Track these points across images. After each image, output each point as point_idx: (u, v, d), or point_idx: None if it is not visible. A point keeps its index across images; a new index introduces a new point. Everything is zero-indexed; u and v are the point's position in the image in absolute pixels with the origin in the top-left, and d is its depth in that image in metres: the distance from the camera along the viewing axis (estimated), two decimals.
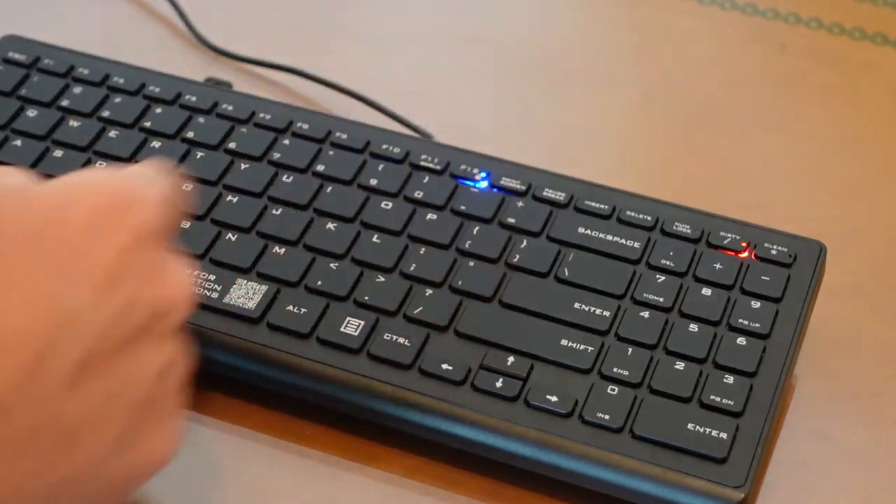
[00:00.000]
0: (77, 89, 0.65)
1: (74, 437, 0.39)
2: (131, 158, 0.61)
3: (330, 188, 0.60)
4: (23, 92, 0.65)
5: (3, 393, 0.37)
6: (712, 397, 0.52)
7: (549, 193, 0.60)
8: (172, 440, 0.43)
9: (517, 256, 0.57)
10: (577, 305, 0.55)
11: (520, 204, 0.60)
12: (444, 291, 0.56)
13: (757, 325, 0.55)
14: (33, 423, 0.38)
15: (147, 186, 0.42)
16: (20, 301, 0.38)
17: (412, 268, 0.56)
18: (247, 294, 0.55)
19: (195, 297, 0.43)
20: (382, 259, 0.57)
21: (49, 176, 0.60)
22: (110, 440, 0.40)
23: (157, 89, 0.65)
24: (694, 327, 0.55)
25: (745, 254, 0.58)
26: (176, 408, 0.43)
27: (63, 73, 0.66)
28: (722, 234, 0.59)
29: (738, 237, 0.58)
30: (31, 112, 0.63)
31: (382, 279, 0.56)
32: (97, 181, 0.41)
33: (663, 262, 0.57)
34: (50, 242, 0.39)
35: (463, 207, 0.59)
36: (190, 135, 0.63)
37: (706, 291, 0.56)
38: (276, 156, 0.62)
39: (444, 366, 0.53)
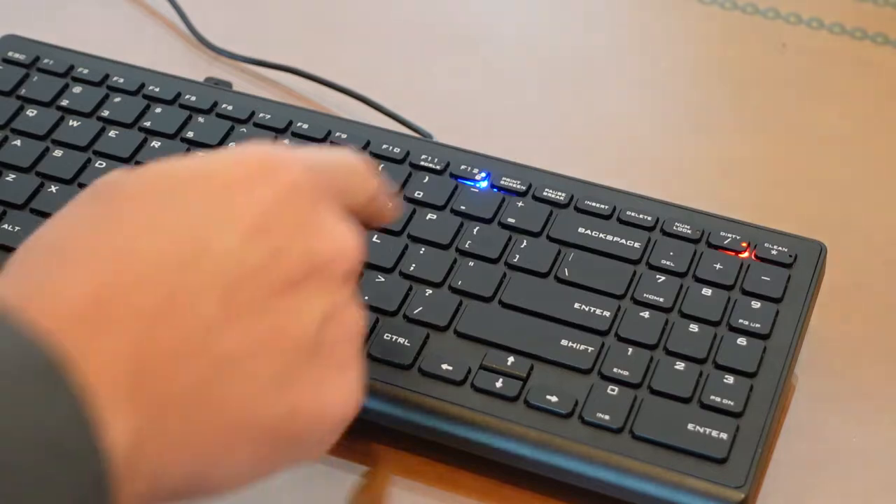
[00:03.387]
0: (77, 89, 0.65)
1: (230, 365, 0.39)
2: (131, 158, 0.61)
3: None
4: (22, 92, 0.65)
5: (149, 312, 0.38)
6: (712, 397, 0.52)
7: (549, 193, 0.60)
8: (347, 394, 0.43)
9: (517, 256, 0.57)
10: (577, 305, 0.55)
11: (520, 204, 0.60)
12: (444, 291, 0.56)
13: (757, 325, 0.55)
14: (182, 346, 0.38)
15: (296, 154, 0.43)
16: (162, 238, 0.39)
17: (412, 268, 0.56)
18: None
19: (360, 249, 0.43)
20: (382, 259, 0.57)
21: (49, 175, 0.60)
22: (269, 375, 0.40)
23: (157, 89, 0.65)
24: (694, 327, 0.55)
25: (746, 254, 0.58)
26: (349, 360, 0.43)
27: (63, 73, 0.66)
28: (722, 234, 0.59)
29: (738, 237, 0.58)
30: (31, 112, 0.63)
31: (382, 279, 0.56)
32: (248, 149, 0.43)
33: (663, 262, 0.57)
34: (198, 192, 0.40)
35: (463, 207, 0.59)
36: (190, 135, 0.63)
37: (706, 291, 0.56)
38: None
39: (444, 366, 0.53)
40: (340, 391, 0.42)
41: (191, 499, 0.40)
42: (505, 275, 0.57)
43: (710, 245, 0.58)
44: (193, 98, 0.64)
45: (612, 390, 0.52)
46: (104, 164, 0.61)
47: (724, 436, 0.51)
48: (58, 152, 0.61)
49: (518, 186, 0.60)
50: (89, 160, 0.61)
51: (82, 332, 0.37)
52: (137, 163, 0.61)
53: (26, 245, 0.40)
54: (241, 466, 0.40)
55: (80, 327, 0.37)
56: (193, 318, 0.38)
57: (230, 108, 0.64)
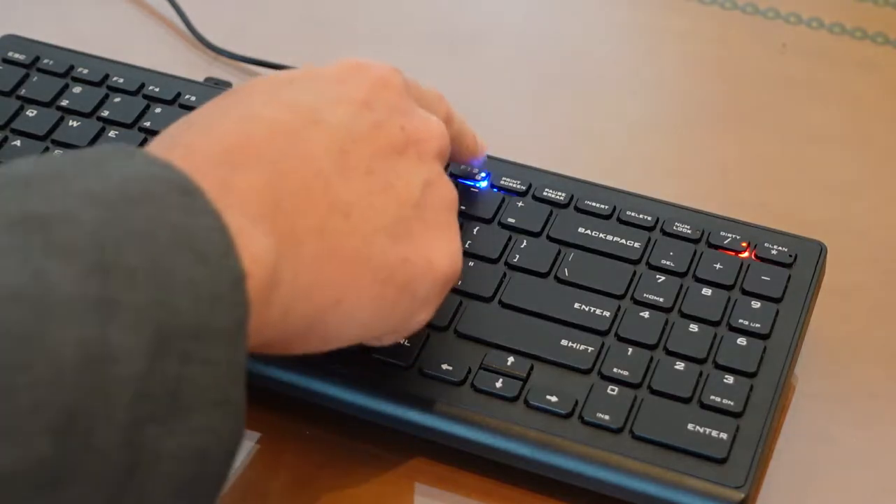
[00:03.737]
0: (77, 89, 0.65)
1: (347, 209, 0.45)
2: None
3: None
4: (22, 92, 0.65)
5: (273, 156, 0.44)
6: (712, 397, 0.52)
7: (549, 193, 0.60)
8: (451, 254, 0.48)
9: (517, 256, 0.57)
10: (577, 305, 0.55)
11: (520, 204, 0.60)
12: None
13: (757, 325, 0.55)
14: (306, 187, 0.44)
15: (383, 63, 0.51)
16: (280, 107, 0.46)
17: None
18: None
19: (447, 136, 0.50)
20: None
21: None
22: (382, 223, 0.46)
23: (157, 89, 0.65)
24: (694, 327, 0.55)
25: (746, 254, 0.58)
26: (450, 224, 0.49)
27: (63, 73, 0.66)
28: (722, 234, 0.59)
29: (738, 237, 0.58)
30: (31, 112, 0.63)
31: None
32: (343, 59, 0.51)
33: (663, 262, 0.57)
34: (311, 81, 0.49)
35: (463, 207, 0.59)
36: None
37: (706, 291, 0.56)
38: None
39: (444, 366, 0.53)
40: (444, 251, 0.48)
41: (316, 341, 0.46)
42: (505, 275, 0.57)
43: (710, 245, 0.58)
44: (193, 98, 0.64)
45: (612, 390, 0.52)
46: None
47: (724, 436, 0.51)
48: (58, 152, 0.61)
49: (518, 186, 0.60)
50: None
51: (219, 172, 0.42)
52: None
53: (167, 129, 0.46)
54: (364, 301, 0.45)
55: (216, 168, 0.42)
56: (312, 170, 0.45)
57: None
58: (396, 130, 0.48)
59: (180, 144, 0.44)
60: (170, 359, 0.37)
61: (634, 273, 0.57)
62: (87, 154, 0.41)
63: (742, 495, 0.49)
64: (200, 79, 0.68)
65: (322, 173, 0.45)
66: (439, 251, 0.48)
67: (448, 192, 0.49)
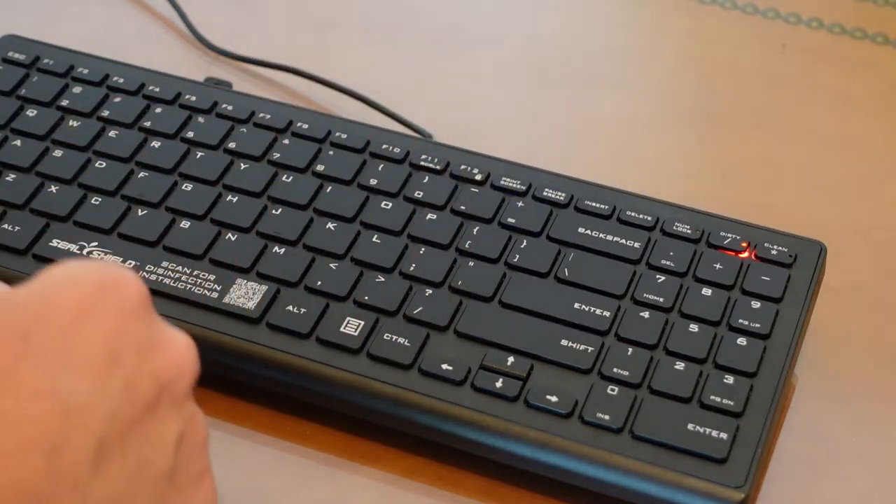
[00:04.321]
0: (77, 89, 0.65)
1: None
2: (131, 158, 0.61)
3: (330, 188, 0.60)
4: (22, 92, 0.65)
5: (28, 486, 0.37)
6: (712, 397, 0.52)
7: (549, 193, 0.60)
8: (206, 500, 0.43)
9: (517, 256, 0.57)
10: (577, 305, 0.55)
11: (520, 204, 0.60)
12: (444, 291, 0.56)
13: (757, 325, 0.55)
14: None
15: (122, 270, 0.41)
16: (22, 401, 0.37)
17: (412, 268, 0.56)
18: (246, 294, 0.55)
19: (196, 361, 0.42)
20: (382, 259, 0.57)
21: (49, 175, 0.60)
22: None
23: (157, 89, 0.65)
24: (694, 327, 0.55)
25: (746, 254, 0.58)
26: (202, 474, 0.43)
27: (63, 73, 0.66)
28: (722, 234, 0.59)
29: (738, 237, 0.58)
30: (31, 112, 0.63)
31: (382, 279, 0.56)
32: (75, 272, 0.41)
33: (663, 262, 0.57)
34: (39, 338, 0.39)
35: (463, 207, 0.59)
36: (190, 135, 0.63)
37: (706, 291, 0.56)
38: (276, 156, 0.62)
39: (444, 366, 0.53)
40: (201, 501, 0.43)
41: None
42: (505, 275, 0.57)
43: (710, 245, 0.58)
44: (193, 98, 0.64)
45: (612, 390, 0.52)
46: (104, 164, 0.61)
47: (724, 436, 0.51)
48: (58, 152, 0.61)
49: (518, 186, 0.60)
50: (89, 160, 0.61)
51: None
52: (138, 163, 0.61)
53: None
54: None
55: None
56: (68, 481, 0.37)
57: (230, 108, 0.64)
58: (148, 383, 0.40)
59: None
60: None
61: (634, 273, 0.57)
62: None
63: (742, 495, 0.49)
64: (200, 79, 0.68)
65: (79, 484, 0.37)
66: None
67: (199, 435, 0.43)
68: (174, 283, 0.56)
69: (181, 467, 0.42)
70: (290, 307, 0.55)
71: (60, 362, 0.38)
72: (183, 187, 0.60)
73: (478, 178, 0.61)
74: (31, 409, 0.37)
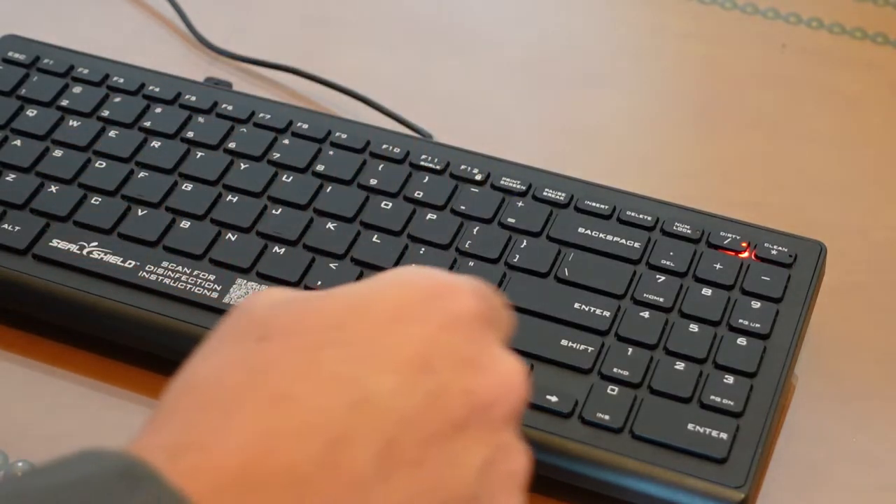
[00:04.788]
0: (77, 89, 0.65)
1: None
2: (131, 158, 0.61)
3: (330, 188, 0.60)
4: (22, 92, 0.65)
5: (304, 469, 0.35)
6: (712, 397, 0.52)
7: (549, 193, 0.60)
8: None
9: (517, 256, 0.57)
10: (577, 305, 0.55)
11: (520, 204, 0.60)
12: None
13: (757, 325, 0.55)
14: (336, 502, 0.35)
15: (461, 280, 0.40)
16: (319, 385, 0.36)
17: None
18: (246, 294, 0.55)
19: (524, 391, 0.39)
20: (382, 259, 0.57)
21: (49, 175, 0.60)
22: None
23: (157, 89, 0.65)
24: (694, 327, 0.55)
25: (746, 254, 0.58)
26: None
27: (63, 73, 0.66)
28: (722, 234, 0.59)
29: (738, 237, 0.58)
30: (31, 112, 0.63)
31: None
32: (408, 275, 0.39)
33: (663, 262, 0.57)
34: (353, 329, 0.37)
35: (463, 207, 0.59)
36: (190, 135, 0.63)
37: (706, 291, 0.56)
38: (276, 156, 0.62)
39: None
40: None
41: None
42: (505, 275, 0.57)
43: (710, 245, 0.58)
44: (193, 98, 0.64)
45: (612, 390, 0.52)
46: (104, 164, 0.61)
47: (724, 436, 0.51)
48: (58, 152, 0.61)
49: (518, 186, 0.60)
50: (89, 160, 0.61)
51: (229, 498, 0.34)
52: (138, 163, 0.61)
53: (175, 389, 0.37)
54: None
55: (228, 496, 0.34)
56: (348, 477, 0.35)
57: (230, 108, 0.64)
58: (459, 398, 0.37)
59: (194, 445, 0.35)
60: None
61: (634, 273, 0.57)
62: (75, 494, 0.33)
63: (742, 495, 0.49)
64: (200, 79, 0.68)
65: (359, 482, 0.35)
66: None
67: (515, 467, 0.39)
68: (174, 283, 0.56)
69: (486, 495, 0.38)
70: None
71: (367, 356, 0.37)
72: (183, 187, 0.60)
73: (478, 178, 0.61)
74: (323, 397, 0.36)
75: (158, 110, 0.64)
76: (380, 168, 0.61)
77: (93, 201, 0.59)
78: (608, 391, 0.52)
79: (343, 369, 0.36)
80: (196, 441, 0.35)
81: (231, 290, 0.55)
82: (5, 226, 0.58)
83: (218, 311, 0.55)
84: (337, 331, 0.37)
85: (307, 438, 0.35)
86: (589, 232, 0.58)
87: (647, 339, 0.54)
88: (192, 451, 0.34)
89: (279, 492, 0.34)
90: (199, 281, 0.56)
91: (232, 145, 0.62)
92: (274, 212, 0.59)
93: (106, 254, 0.57)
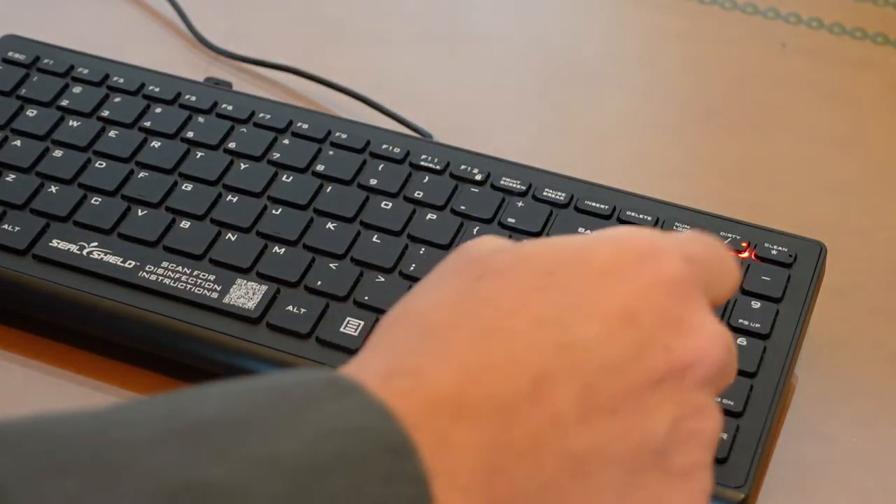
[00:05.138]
0: (77, 89, 0.65)
1: (579, 465, 0.37)
2: (131, 158, 0.61)
3: (330, 188, 0.60)
4: (23, 92, 0.65)
5: (511, 399, 0.37)
6: None
7: (549, 193, 0.60)
8: (690, 497, 0.39)
9: None
10: None
11: (520, 204, 0.60)
12: None
13: (757, 325, 0.55)
14: (535, 440, 0.37)
15: (674, 243, 0.41)
16: (529, 323, 0.38)
17: (412, 268, 0.56)
18: (246, 294, 0.55)
19: (724, 357, 0.40)
20: (382, 259, 0.57)
21: (49, 175, 0.60)
22: (617, 478, 0.38)
23: (157, 89, 0.65)
24: None
25: (746, 254, 0.58)
26: (698, 467, 0.39)
27: (63, 73, 0.66)
28: (722, 234, 0.59)
29: (738, 237, 0.58)
30: (31, 112, 0.63)
31: (382, 279, 0.56)
32: (623, 234, 0.41)
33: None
34: (565, 277, 0.39)
35: (463, 207, 0.59)
36: (190, 135, 0.63)
37: None
38: (276, 156, 0.62)
39: None
40: (685, 500, 0.39)
41: None
42: None
43: None
44: (193, 98, 0.64)
45: None
46: (104, 164, 0.61)
47: (723, 436, 0.51)
48: (58, 152, 0.61)
49: (518, 186, 0.60)
50: (89, 160, 0.61)
51: (440, 420, 0.36)
52: (138, 163, 0.61)
53: (393, 315, 0.39)
54: None
55: (438, 413, 0.36)
56: (549, 413, 0.37)
57: (230, 108, 0.64)
58: (659, 354, 0.39)
59: (409, 370, 0.37)
60: None
61: None
62: (289, 396, 0.35)
63: (742, 495, 0.49)
64: (200, 79, 0.68)
65: (558, 419, 0.37)
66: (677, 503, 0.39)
67: (706, 429, 0.40)
68: (174, 283, 0.56)
69: (673, 452, 0.39)
70: (290, 307, 0.55)
71: (575, 304, 0.38)
72: (183, 187, 0.60)
73: (478, 178, 0.61)
74: (532, 335, 0.38)
75: (158, 110, 0.64)
76: (380, 168, 0.61)
77: (93, 201, 0.59)
78: None
79: (551, 312, 0.38)
80: (410, 366, 0.37)
81: (231, 290, 0.55)
82: (5, 226, 0.58)
83: (218, 311, 0.55)
84: (549, 277, 0.39)
85: (515, 371, 0.37)
86: (589, 232, 0.58)
87: None
88: (405, 375, 0.36)
89: (487, 417, 0.36)
90: (199, 281, 0.56)
91: (232, 145, 0.62)
92: (274, 212, 0.59)
93: (106, 254, 0.57)
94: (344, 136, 0.63)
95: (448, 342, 0.37)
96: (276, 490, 0.32)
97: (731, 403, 0.52)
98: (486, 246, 0.40)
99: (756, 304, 0.56)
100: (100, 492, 0.32)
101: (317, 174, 0.61)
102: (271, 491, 0.32)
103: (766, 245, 0.58)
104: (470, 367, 0.37)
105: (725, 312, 0.55)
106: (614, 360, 0.38)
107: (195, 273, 0.56)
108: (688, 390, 0.39)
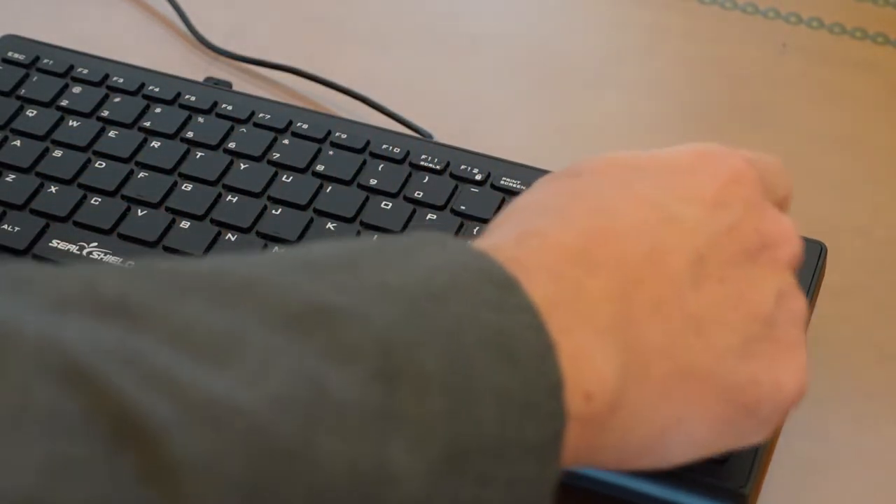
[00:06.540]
0: (76, 89, 0.65)
1: (698, 324, 0.41)
2: (131, 158, 0.61)
3: (330, 188, 0.60)
4: (22, 92, 0.65)
5: (633, 259, 0.40)
6: None
7: None
8: (798, 375, 0.43)
9: None
10: None
11: None
12: None
13: None
14: (659, 298, 0.40)
15: (740, 153, 0.46)
16: (634, 201, 0.42)
17: None
18: None
19: (800, 246, 0.45)
20: None
21: (49, 176, 0.60)
22: (733, 340, 0.41)
23: (157, 89, 0.65)
24: None
25: None
26: (799, 342, 0.44)
27: (63, 73, 0.66)
28: None
29: None
30: (31, 112, 0.63)
31: None
32: (699, 144, 0.46)
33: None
34: (656, 172, 0.44)
35: (463, 207, 0.59)
36: (189, 135, 0.63)
37: None
38: (276, 156, 0.62)
39: None
40: (792, 370, 0.43)
41: (648, 461, 0.41)
42: None
43: None
44: (193, 98, 0.64)
45: None
46: (104, 164, 0.61)
47: None
48: (58, 152, 0.61)
49: (518, 186, 0.60)
50: (89, 160, 0.61)
51: (574, 272, 0.38)
52: (138, 163, 0.61)
53: (503, 214, 0.42)
54: (706, 421, 0.41)
55: (572, 268, 0.39)
56: (668, 278, 0.40)
57: (230, 108, 0.64)
58: (751, 233, 0.43)
59: (535, 232, 0.40)
60: (464, 480, 0.33)
61: None
62: (393, 243, 0.37)
63: (742, 495, 0.49)
64: (200, 79, 0.68)
65: (677, 282, 0.40)
66: (787, 372, 0.43)
67: (799, 307, 0.44)
68: None
69: (778, 322, 0.43)
70: None
71: (672, 189, 0.43)
72: (183, 187, 0.60)
73: (478, 178, 0.61)
74: (638, 212, 0.42)
75: (158, 110, 0.64)
76: (380, 168, 0.61)
77: (93, 201, 0.59)
78: None
79: (651, 194, 0.42)
80: (536, 229, 0.40)
81: None
82: (5, 226, 0.58)
83: None
84: (642, 171, 0.44)
85: (633, 238, 0.41)
86: None
87: None
88: (533, 237, 0.39)
89: (613, 272, 0.39)
90: None
91: (232, 145, 0.62)
92: (274, 212, 0.59)
93: (106, 254, 0.57)
94: (344, 136, 0.63)
95: (565, 215, 0.41)
96: (396, 314, 0.34)
97: None
98: (576, 162, 0.45)
99: None
100: (224, 308, 0.33)
101: (317, 174, 0.61)
102: (392, 314, 0.34)
103: None
104: (590, 232, 0.40)
105: None
106: (715, 236, 0.42)
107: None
108: (779, 269, 0.44)
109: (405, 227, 0.58)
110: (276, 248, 0.36)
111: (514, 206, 0.43)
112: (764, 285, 0.43)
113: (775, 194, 0.47)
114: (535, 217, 0.41)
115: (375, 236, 0.36)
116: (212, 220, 0.58)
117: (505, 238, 0.39)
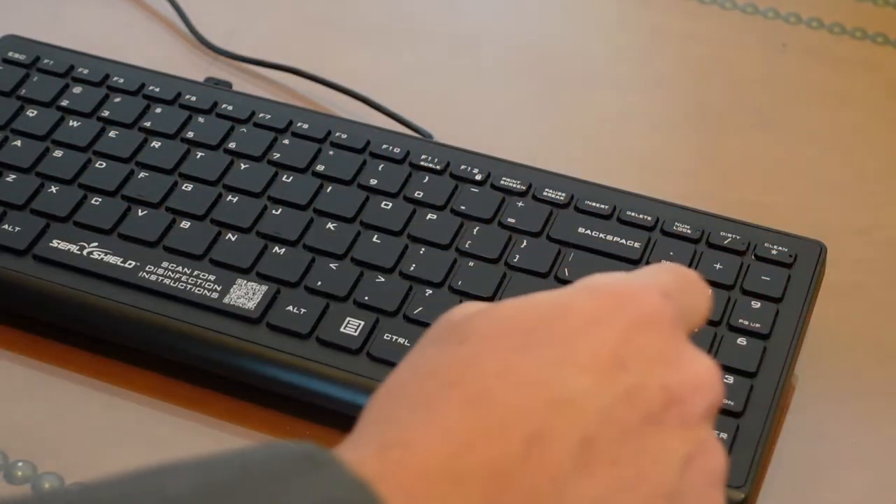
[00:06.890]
0: (77, 89, 0.65)
1: None
2: (131, 158, 0.61)
3: (330, 188, 0.60)
4: (23, 92, 0.65)
5: (504, 463, 0.36)
6: None
7: (549, 193, 0.60)
8: None
9: (517, 256, 0.57)
10: None
11: (520, 204, 0.60)
12: (444, 291, 0.56)
13: (757, 325, 0.55)
14: (534, 499, 0.36)
15: (650, 281, 0.40)
16: (516, 384, 0.37)
17: (412, 268, 0.56)
18: (247, 294, 0.55)
19: (719, 387, 0.39)
20: (382, 259, 0.57)
21: (49, 176, 0.60)
22: None
23: (157, 89, 0.65)
24: None
25: (746, 254, 0.58)
26: None
27: (63, 73, 0.66)
28: (722, 234, 0.59)
29: (738, 237, 0.58)
30: (31, 112, 0.63)
31: (382, 279, 0.56)
32: (598, 282, 0.40)
33: (663, 261, 0.57)
34: (547, 332, 0.38)
35: (463, 207, 0.59)
36: (190, 135, 0.63)
37: None
38: (276, 156, 0.62)
39: None
40: None
41: None
42: (505, 275, 0.57)
43: (710, 245, 0.58)
44: (193, 98, 0.64)
45: None
46: (104, 164, 0.61)
47: (724, 436, 0.51)
48: (58, 152, 0.61)
49: (518, 186, 0.60)
50: (89, 160, 0.61)
51: (436, 490, 0.35)
52: (138, 163, 0.61)
53: (381, 391, 0.39)
54: None
55: (430, 488, 0.35)
56: (547, 469, 0.36)
57: (230, 108, 0.64)
58: (655, 392, 0.38)
59: (398, 442, 0.36)
60: None
61: None
62: (262, 467, 0.35)
63: (742, 495, 0.49)
64: (200, 79, 0.68)
65: (557, 478, 0.36)
66: None
67: (715, 464, 0.39)
68: (174, 283, 0.56)
69: (690, 491, 0.38)
70: (290, 307, 0.55)
71: (562, 358, 0.38)
72: (183, 187, 0.60)
73: (478, 178, 0.61)
74: (520, 395, 0.37)
75: (158, 110, 0.64)
76: (380, 168, 0.61)
77: (93, 201, 0.59)
78: None
79: (538, 370, 0.37)
80: (400, 438, 0.36)
81: (231, 290, 0.55)
82: (5, 226, 0.58)
83: (218, 311, 0.55)
84: (531, 334, 0.38)
85: (506, 434, 0.36)
86: (589, 232, 0.58)
87: None
88: (395, 447, 0.36)
89: (481, 484, 0.36)
90: (199, 281, 0.56)
91: (232, 145, 0.62)
92: (274, 212, 0.59)
93: (106, 254, 0.57)
94: (344, 136, 0.63)
95: (436, 412, 0.37)
96: None
97: (731, 403, 0.52)
98: (464, 311, 0.40)
99: (756, 304, 0.56)
100: None
101: (317, 174, 0.61)
102: None
103: (766, 245, 0.58)
104: (460, 435, 0.36)
105: (726, 313, 0.55)
106: (609, 409, 0.37)
107: (195, 273, 0.56)
108: (690, 427, 0.38)
109: (405, 227, 0.58)
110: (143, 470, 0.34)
111: (391, 385, 0.39)
112: (667, 455, 0.38)
113: (693, 318, 0.42)
114: (404, 412, 0.37)
115: (237, 454, 0.35)
116: (212, 220, 0.58)
117: (368, 446, 0.37)
